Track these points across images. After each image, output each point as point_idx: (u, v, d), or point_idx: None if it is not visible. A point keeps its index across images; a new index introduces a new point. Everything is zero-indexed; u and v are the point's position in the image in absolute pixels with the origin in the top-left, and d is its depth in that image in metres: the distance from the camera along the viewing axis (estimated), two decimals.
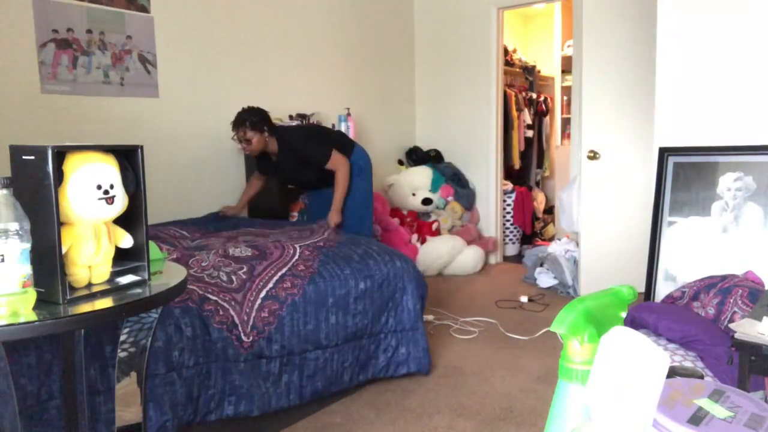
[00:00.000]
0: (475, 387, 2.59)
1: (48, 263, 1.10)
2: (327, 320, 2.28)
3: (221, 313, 2.00)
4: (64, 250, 1.13)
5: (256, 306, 2.10)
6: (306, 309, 2.21)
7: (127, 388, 1.48)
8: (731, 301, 2.18)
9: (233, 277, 2.16)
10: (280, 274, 2.24)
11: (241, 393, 2.02)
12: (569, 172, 5.04)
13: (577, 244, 4.09)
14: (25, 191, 1.10)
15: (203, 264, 2.24)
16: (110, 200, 1.17)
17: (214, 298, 2.02)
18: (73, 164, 1.14)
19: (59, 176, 1.11)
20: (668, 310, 2.26)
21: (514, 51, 6.33)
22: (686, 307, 2.33)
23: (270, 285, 2.18)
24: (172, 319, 1.86)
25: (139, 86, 3.36)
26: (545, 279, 4.28)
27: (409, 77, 5.31)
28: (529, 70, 6.37)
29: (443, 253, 4.56)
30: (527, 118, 5.97)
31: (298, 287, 2.22)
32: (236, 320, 2.02)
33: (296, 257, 2.38)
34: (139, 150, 1.28)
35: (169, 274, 1.41)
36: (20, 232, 1.03)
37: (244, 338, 2.02)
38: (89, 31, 3.14)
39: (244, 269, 2.23)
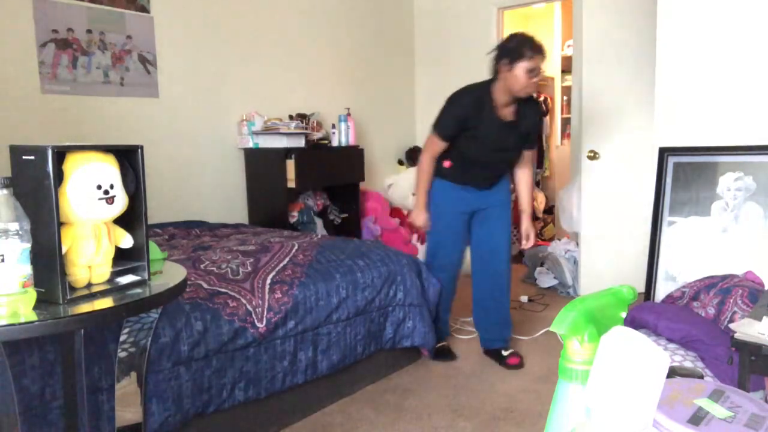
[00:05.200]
0: (475, 387, 2.59)
1: (48, 263, 1.10)
2: (338, 294, 2.38)
3: (232, 304, 2.04)
4: (64, 250, 1.13)
5: (267, 290, 2.17)
6: (316, 286, 2.31)
7: (127, 387, 1.48)
8: (731, 301, 2.18)
9: (240, 269, 2.26)
10: (281, 264, 2.37)
11: (249, 378, 2.06)
12: (569, 172, 5.04)
13: (577, 244, 4.09)
14: (25, 191, 1.10)
15: (214, 258, 2.36)
16: (110, 200, 1.17)
17: (224, 290, 2.09)
18: (73, 164, 1.14)
19: (59, 176, 1.11)
20: (668, 310, 2.26)
21: None
22: (686, 307, 2.34)
23: (273, 273, 2.28)
24: (183, 314, 1.88)
25: (139, 86, 3.36)
26: (545, 279, 4.28)
27: (409, 77, 5.31)
28: None
29: None
30: None
31: (299, 273, 2.34)
32: (249, 308, 2.07)
33: (296, 248, 2.56)
34: (139, 150, 1.27)
35: (169, 274, 1.41)
36: (20, 232, 1.03)
37: (258, 324, 2.07)
38: (89, 31, 3.14)
39: (251, 260, 2.35)
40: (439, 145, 2.70)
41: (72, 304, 1.12)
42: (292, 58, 4.22)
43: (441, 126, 2.69)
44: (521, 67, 2.48)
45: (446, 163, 2.74)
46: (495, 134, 2.66)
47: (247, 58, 3.92)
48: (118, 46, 3.26)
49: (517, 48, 2.50)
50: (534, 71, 2.49)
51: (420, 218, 2.80)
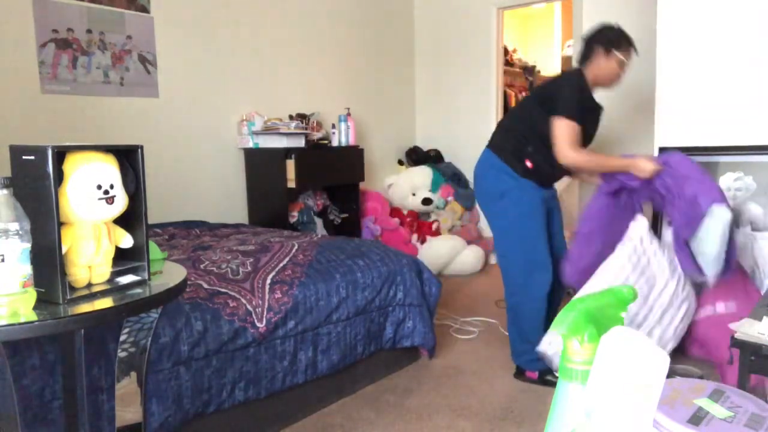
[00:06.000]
0: (475, 387, 2.59)
1: (48, 263, 1.10)
2: (338, 294, 2.37)
3: (232, 304, 2.04)
4: (64, 250, 1.13)
5: (267, 290, 2.17)
6: (316, 286, 2.31)
7: (127, 387, 1.48)
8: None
9: (240, 269, 2.26)
10: (281, 264, 2.37)
11: (249, 378, 2.06)
12: None
13: None
14: (25, 191, 1.10)
15: (214, 258, 2.35)
16: (110, 200, 1.17)
17: (224, 290, 2.09)
18: (73, 164, 1.14)
19: (59, 176, 1.11)
20: None
21: (514, 51, 6.33)
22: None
23: (273, 273, 2.28)
24: (183, 314, 1.88)
25: (139, 86, 3.36)
26: None
27: (409, 77, 5.31)
28: (529, 70, 6.37)
29: (443, 253, 4.56)
30: None
31: (299, 273, 2.33)
32: (249, 307, 2.07)
33: (296, 248, 2.56)
34: (139, 150, 1.27)
35: (169, 274, 1.41)
36: (20, 232, 1.03)
37: (258, 324, 2.07)
38: (89, 31, 3.14)
39: (251, 260, 2.35)
40: (577, 131, 2.39)
41: (72, 304, 1.12)
42: (292, 58, 4.22)
43: (572, 109, 2.37)
44: (617, 58, 2.44)
45: (529, 164, 2.50)
46: (596, 119, 2.59)
47: (247, 58, 3.92)
48: (118, 46, 3.26)
49: (618, 38, 2.46)
50: (626, 64, 2.48)
51: (649, 163, 2.35)
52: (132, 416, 1.51)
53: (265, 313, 2.10)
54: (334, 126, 4.15)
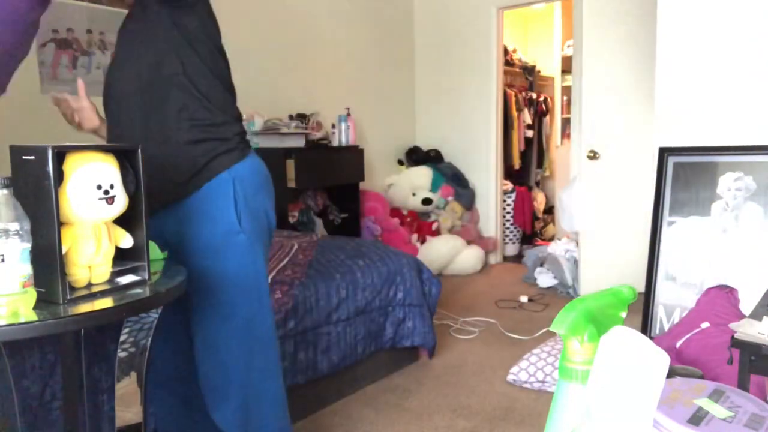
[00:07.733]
0: (475, 387, 2.59)
1: (48, 263, 1.10)
2: (338, 295, 2.38)
3: None
4: (64, 250, 1.13)
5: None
6: (316, 286, 2.31)
7: (127, 388, 1.48)
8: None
9: None
10: (281, 264, 2.38)
11: None
12: (569, 172, 5.05)
13: (577, 244, 4.09)
14: (25, 191, 1.10)
15: None
16: (110, 200, 1.17)
17: None
18: (73, 164, 1.14)
19: (59, 176, 1.11)
20: None
21: (514, 51, 6.33)
22: None
23: (273, 273, 2.29)
24: None
25: None
26: (545, 279, 4.28)
27: (409, 77, 5.31)
28: (529, 70, 6.37)
29: (443, 253, 4.56)
30: (527, 118, 5.97)
31: (299, 273, 2.34)
32: None
33: (296, 248, 2.57)
34: (139, 150, 1.28)
35: (169, 274, 1.41)
36: (20, 232, 1.03)
37: None
38: (89, 31, 3.14)
39: None
40: None
41: (72, 304, 1.12)
42: (292, 58, 4.22)
43: None
44: None
45: None
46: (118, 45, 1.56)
47: (247, 58, 3.92)
48: None
49: None
50: None
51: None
52: (132, 416, 1.51)
53: None
54: (334, 126, 4.15)
